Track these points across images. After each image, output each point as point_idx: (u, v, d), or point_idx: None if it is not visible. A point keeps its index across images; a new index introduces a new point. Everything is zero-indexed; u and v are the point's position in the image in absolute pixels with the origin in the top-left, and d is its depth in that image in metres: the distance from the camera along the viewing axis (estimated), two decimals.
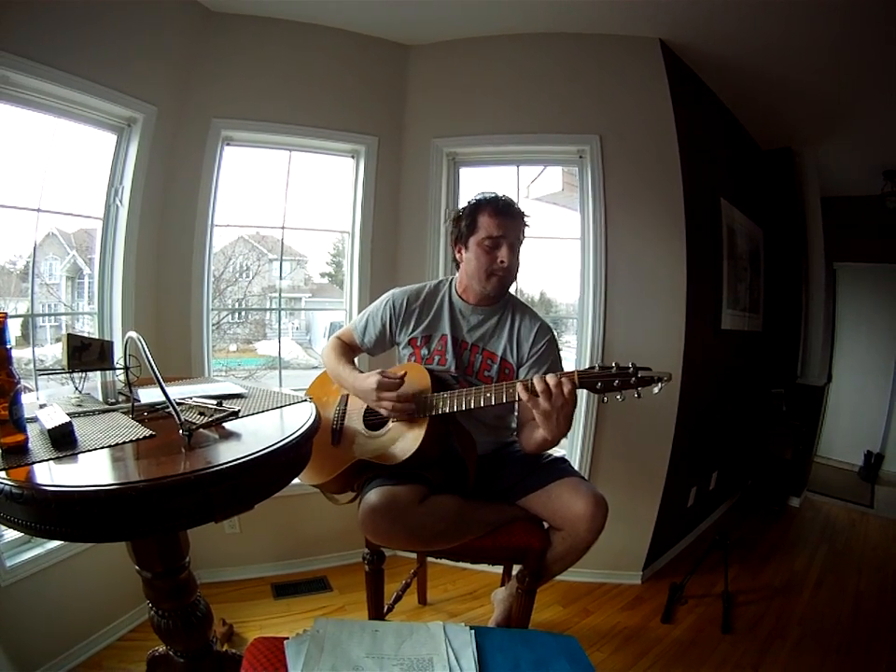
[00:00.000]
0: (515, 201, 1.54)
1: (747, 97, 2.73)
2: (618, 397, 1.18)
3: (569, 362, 2.19)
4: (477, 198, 1.54)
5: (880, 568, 2.59)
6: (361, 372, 1.50)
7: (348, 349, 1.69)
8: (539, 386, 1.19)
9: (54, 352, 1.96)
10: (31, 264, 1.82)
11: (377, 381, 1.37)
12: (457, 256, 1.58)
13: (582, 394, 2.32)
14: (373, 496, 1.30)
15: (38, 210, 1.79)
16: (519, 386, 1.23)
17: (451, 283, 1.63)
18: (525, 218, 1.54)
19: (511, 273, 1.51)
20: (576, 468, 1.82)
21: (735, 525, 3.08)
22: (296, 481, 1.15)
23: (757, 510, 3.36)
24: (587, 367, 1.21)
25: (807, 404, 3.53)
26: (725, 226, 2.73)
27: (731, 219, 2.81)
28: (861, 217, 3.97)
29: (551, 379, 1.19)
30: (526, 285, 2.64)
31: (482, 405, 1.30)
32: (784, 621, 2.10)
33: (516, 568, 1.52)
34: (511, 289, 1.64)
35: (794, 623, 2.09)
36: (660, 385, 1.16)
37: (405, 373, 1.41)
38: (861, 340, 4.45)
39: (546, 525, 1.46)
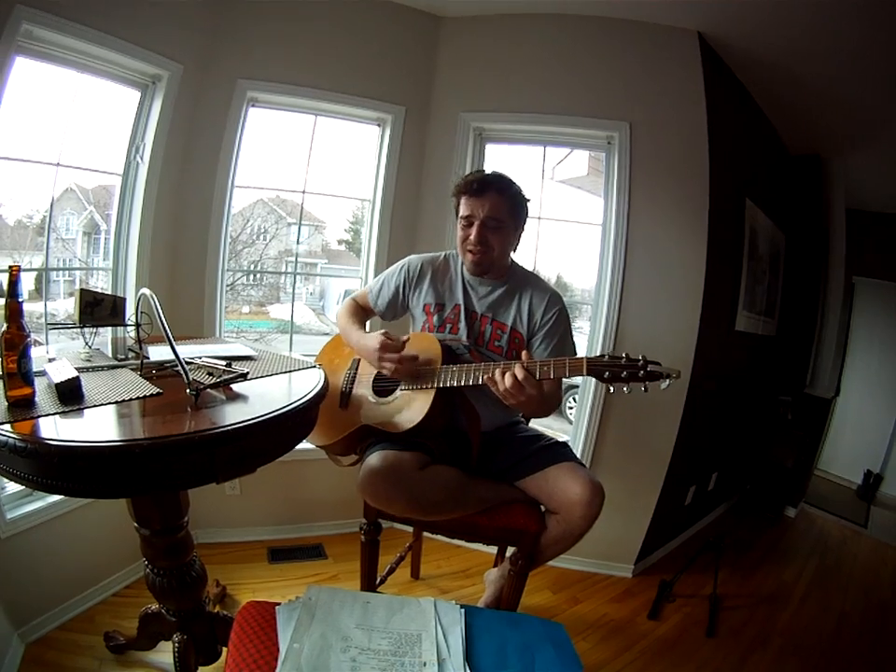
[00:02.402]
0: (502, 178, 1.49)
1: (780, 99, 2.66)
2: (625, 389, 1.17)
3: (581, 348, 2.17)
4: (462, 177, 1.54)
5: (867, 591, 2.57)
6: (368, 333, 1.52)
7: (361, 311, 1.71)
8: (506, 382, 1.22)
9: (66, 307, 1.96)
10: (47, 219, 1.82)
11: (380, 341, 1.40)
12: None
13: (590, 381, 2.31)
14: (375, 458, 1.31)
15: (57, 164, 1.78)
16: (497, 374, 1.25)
17: None
18: (509, 196, 1.48)
19: (485, 253, 1.49)
20: (578, 454, 1.82)
21: (730, 529, 3.07)
22: (300, 446, 1.16)
23: (753, 515, 3.36)
24: (597, 354, 1.20)
25: (813, 415, 3.50)
26: (748, 226, 2.68)
27: (754, 220, 2.76)
28: (885, 234, 3.89)
29: (508, 379, 1.22)
30: (544, 266, 2.61)
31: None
32: (767, 630, 2.11)
33: (510, 550, 1.52)
34: (529, 269, 1.66)
35: (777, 633, 2.09)
36: (668, 380, 1.15)
37: (408, 337, 1.44)
38: (873, 358, 4.39)
39: (542, 508, 1.46)
